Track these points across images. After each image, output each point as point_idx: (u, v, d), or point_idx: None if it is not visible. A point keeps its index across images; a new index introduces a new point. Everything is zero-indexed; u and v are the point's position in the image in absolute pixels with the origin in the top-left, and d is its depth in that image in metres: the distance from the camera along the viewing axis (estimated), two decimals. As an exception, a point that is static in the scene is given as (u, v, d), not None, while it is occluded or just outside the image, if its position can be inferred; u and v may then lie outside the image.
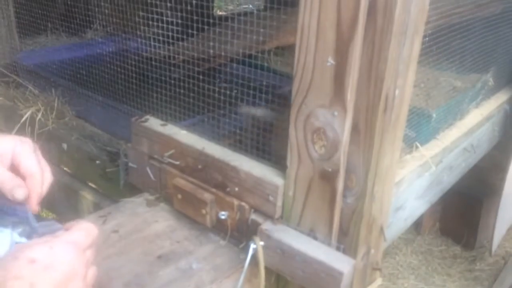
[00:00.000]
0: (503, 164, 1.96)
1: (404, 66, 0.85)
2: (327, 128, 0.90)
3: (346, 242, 0.97)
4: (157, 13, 1.15)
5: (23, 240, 0.72)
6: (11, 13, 1.91)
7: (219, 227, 1.13)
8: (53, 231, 0.70)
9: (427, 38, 1.13)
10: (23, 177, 0.73)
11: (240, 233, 1.10)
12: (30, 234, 0.73)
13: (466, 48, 1.49)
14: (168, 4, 1.10)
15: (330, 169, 0.92)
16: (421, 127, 1.36)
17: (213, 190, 1.12)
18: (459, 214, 2.44)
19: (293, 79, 0.92)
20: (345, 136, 0.89)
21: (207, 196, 1.11)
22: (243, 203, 1.07)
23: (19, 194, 0.70)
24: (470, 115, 1.64)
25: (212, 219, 1.12)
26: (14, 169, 0.74)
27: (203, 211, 1.12)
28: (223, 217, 1.10)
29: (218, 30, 1.10)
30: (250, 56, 1.47)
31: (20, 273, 0.57)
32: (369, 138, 0.88)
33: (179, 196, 1.16)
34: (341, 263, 0.92)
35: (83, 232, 0.66)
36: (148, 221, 1.19)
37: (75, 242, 0.63)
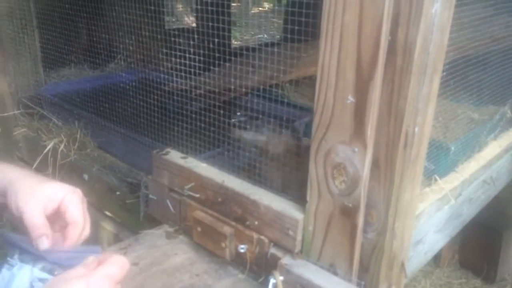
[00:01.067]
0: (523, 196, 1.94)
1: (423, 104, 0.86)
2: (347, 163, 0.91)
3: (366, 278, 0.96)
4: (180, 50, 1.19)
5: (45, 275, 0.74)
6: (37, 47, 1.99)
7: (238, 261, 1.13)
8: (83, 258, 0.72)
9: (444, 73, 1.14)
10: (66, 223, 0.77)
11: (259, 267, 1.10)
12: (51, 270, 0.74)
13: (483, 81, 1.50)
14: (191, 42, 1.14)
15: (350, 205, 0.93)
16: (439, 159, 1.36)
17: (233, 223, 1.13)
18: (478, 246, 2.39)
19: (313, 115, 0.94)
20: (366, 172, 0.90)
21: (226, 229, 1.12)
22: (262, 237, 1.08)
23: (43, 244, 0.74)
24: (489, 147, 1.63)
25: (232, 252, 1.13)
26: (60, 214, 0.78)
27: (223, 244, 1.12)
28: (242, 250, 1.11)
29: (239, 67, 1.13)
30: (269, 88, 1.50)
31: None
32: (390, 174, 0.89)
33: (199, 228, 1.17)
34: (362, 299, 0.92)
35: (117, 266, 0.67)
36: (168, 253, 1.20)
37: (110, 276, 0.65)
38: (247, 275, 1.12)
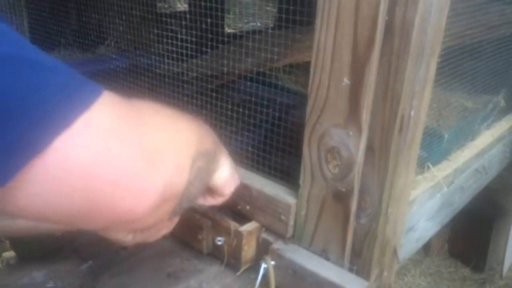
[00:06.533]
0: (514, 186, 1.95)
1: (420, 87, 0.85)
2: (341, 147, 0.90)
3: (359, 263, 0.96)
4: (171, 31, 1.17)
5: None
6: (25, 28, 1.94)
7: (229, 246, 1.12)
8: None
9: (439, 59, 1.13)
10: None
11: (250, 252, 1.08)
12: None
13: (477, 70, 1.49)
14: (183, 23, 1.11)
15: (343, 189, 0.92)
16: (433, 147, 1.35)
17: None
18: (468, 235, 2.41)
19: (308, 98, 0.92)
20: (360, 156, 0.88)
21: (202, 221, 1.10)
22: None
23: None
24: (482, 136, 1.63)
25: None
26: None
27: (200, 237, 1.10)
28: (233, 235, 1.09)
29: (232, 48, 1.11)
30: (262, 73, 1.48)
31: None
32: (384, 159, 0.87)
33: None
34: (354, 284, 0.91)
35: None
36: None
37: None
38: (238, 260, 1.11)
